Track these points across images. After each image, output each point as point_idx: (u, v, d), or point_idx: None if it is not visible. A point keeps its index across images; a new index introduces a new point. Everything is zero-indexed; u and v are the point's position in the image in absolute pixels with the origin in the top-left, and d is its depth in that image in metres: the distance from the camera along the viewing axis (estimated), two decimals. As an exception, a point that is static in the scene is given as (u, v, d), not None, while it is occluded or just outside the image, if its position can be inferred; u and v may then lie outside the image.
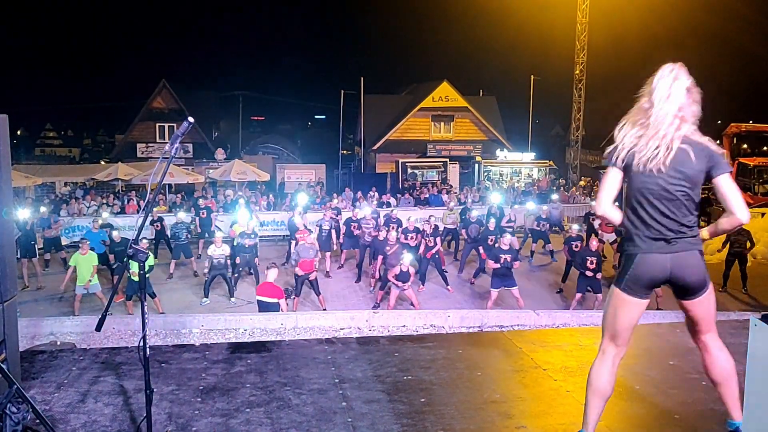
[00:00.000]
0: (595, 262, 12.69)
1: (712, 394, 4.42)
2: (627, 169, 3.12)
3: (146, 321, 3.38)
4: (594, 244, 13.08)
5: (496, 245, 12.75)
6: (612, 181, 3.17)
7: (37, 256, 15.36)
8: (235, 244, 14.32)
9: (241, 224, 13.51)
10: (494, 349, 5.49)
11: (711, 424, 3.92)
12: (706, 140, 3.07)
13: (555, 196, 23.30)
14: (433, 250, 14.60)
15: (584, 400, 3.33)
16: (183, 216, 16.20)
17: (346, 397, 4.41)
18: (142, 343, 3.36)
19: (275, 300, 10.83)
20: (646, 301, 3.22)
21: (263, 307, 10.84)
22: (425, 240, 14.63)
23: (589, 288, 12.76)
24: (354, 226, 16.06)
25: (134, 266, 12.51)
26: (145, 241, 12.25)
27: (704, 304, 3.20)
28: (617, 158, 3.15)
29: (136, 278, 12.19)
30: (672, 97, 3.04)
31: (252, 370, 4.89)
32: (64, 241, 17.23)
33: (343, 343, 5.68)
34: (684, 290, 3.18)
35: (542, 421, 4.07)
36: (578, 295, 12.90)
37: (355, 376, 4.80)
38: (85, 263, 12.49)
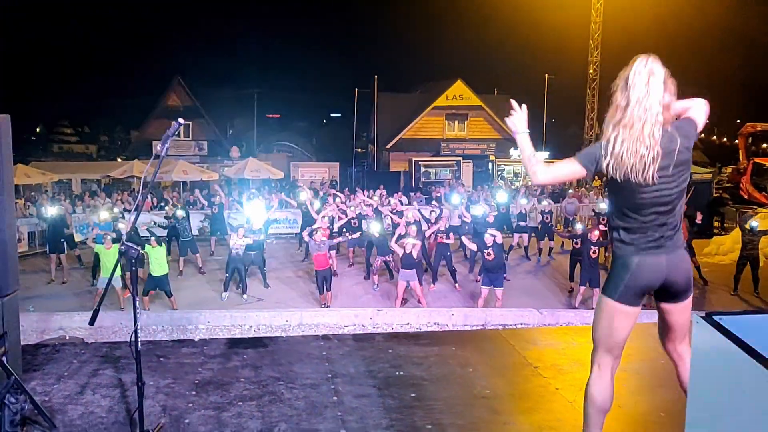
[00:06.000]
0: (597, 251, 13.28)
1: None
2: (613, 178, 2.90)
3: (138, 316, 3.49)
4: (596, 234, 13.41)
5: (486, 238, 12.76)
6: (568, 170, 3.05)
7: (65, 252, 15.56)
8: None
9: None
10: (488, 347, 5.55)
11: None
12: (675, 127, 2.87)
13: (570, 191, 23.29)
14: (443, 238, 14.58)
15: (583, 414, 3.18)
16: (181, 213, 16.28)
17: (337, 391, 4.50)
18: (133, 338, 3.47)
19: None
20: (639, 309, 3.03)
21: None
22: (438, 236, 14.68)
23: (588, 282, 13.06)
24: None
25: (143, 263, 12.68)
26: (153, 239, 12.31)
27: (688, 309, 3.05)
28: (590, 162, 2.99)
29: (156, 273, 12.39)
30: (650, 93, 2.82)
31: (247, 365, 4.99)
32: (78, 238, 17.39)
33: (339, 339, 5.77)
34: (673, 293, 3.02)
35: (529, 417, 4.13)
36: (582, 289, 13.24)
37: (347, 372, 4.89)
38: (110, 257, 12.59)
